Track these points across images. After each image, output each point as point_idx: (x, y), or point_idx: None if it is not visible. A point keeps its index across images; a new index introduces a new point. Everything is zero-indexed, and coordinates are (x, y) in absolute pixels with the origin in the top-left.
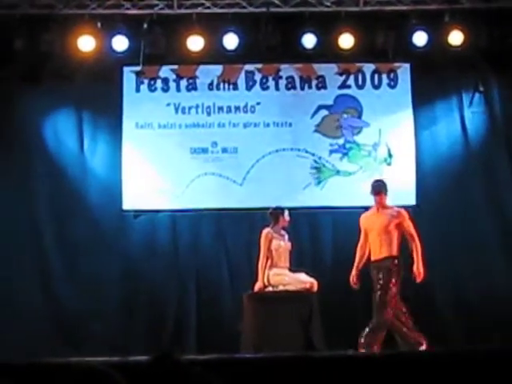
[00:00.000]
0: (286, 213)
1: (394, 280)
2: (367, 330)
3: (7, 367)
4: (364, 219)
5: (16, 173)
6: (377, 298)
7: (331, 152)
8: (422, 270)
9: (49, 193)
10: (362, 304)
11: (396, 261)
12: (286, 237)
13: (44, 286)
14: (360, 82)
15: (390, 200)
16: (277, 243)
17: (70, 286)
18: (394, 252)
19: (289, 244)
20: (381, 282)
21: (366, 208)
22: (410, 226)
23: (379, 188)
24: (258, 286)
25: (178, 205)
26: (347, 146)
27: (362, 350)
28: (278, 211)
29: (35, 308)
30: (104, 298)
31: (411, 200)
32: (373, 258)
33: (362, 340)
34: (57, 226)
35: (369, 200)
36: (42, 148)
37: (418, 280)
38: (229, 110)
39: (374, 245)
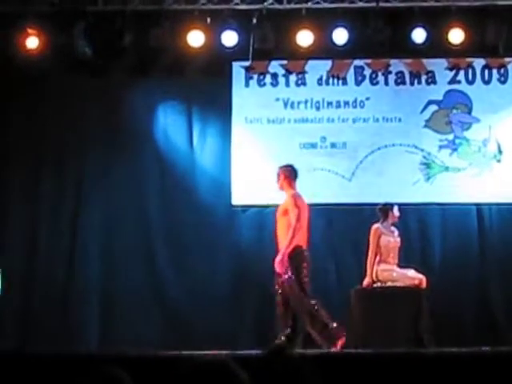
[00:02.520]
0: (396, 209)
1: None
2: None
3: (122, 358)
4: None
5: (125, 168)
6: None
7: (440, 148)
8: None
9: (158, 188)
10: (471, 301)
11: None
12: (396, 233)
13: (153, 283)
14: (470, 77)
15: (500, 197)
16: (386, 239)
17: (179, 282)
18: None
19: (398, 240)
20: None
21: (477, 204)
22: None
23: None
24: (366, 282)
25: None
26: (457, 141)
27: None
28: (387, 207)
29: (144, 305)
30: (213, 294)
31: None
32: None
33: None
34: (166, 222)
35: (478, 197)
36: (152, 143)
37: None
38: (338, 105)
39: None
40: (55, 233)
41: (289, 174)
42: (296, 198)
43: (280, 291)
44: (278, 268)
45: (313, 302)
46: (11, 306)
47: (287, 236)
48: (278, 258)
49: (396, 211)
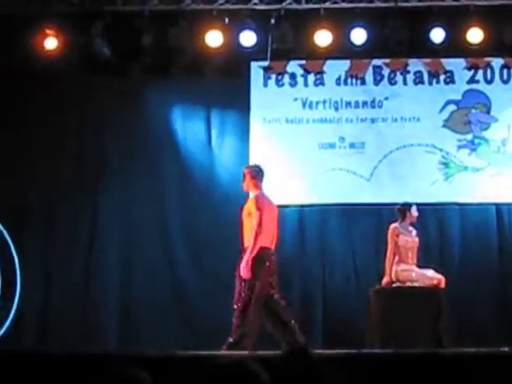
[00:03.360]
0: (414, 208)
1: None
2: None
3: (142, 359)
4: None
5: (143, 167)
6: None
7: (459, 147)
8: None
9: (176, 188)
10: (491, 300)
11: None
12: (414, 233)
13: (173, 285)
14: (489, 76)
15: None
16: (404, 239)
17: (200, 284)
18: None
19: (416, 240)
20: None
21: (496, 204)
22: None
23: None
24: (384, 281)
25: (306, 200)
26: (476, 141)
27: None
28: (405, 207)
29: (164, 308)
30: (232, 295)
31: None
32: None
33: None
34: (184, 222)
35: (497, 196)
36: (170, 143)
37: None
38: (356, 105)
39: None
40: (74, 235)
41: (255, 174)
42: (258, 200)
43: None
44: (243, 273)
45: (282, 302)
46: (31, 308)
47: (251, 240)
48: (242, 264)
49: (414, 211)
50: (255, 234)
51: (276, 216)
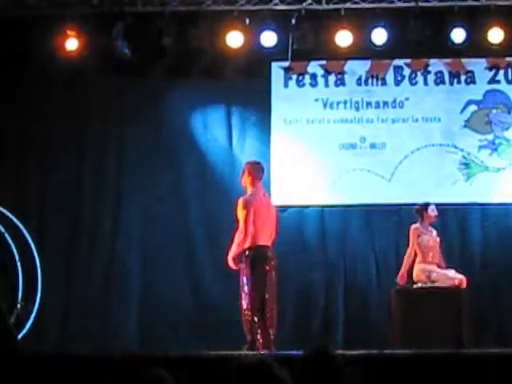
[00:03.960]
0: (431, 208)
1: None
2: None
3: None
4: None
5: (164, 168)
6: None
7: (480, 148)
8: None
9: (198, 188)
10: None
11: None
12: (434, 232)
13: (193, 284)
14: (510, 76)
15: None
16: (425, 238)
17: (220, 283)
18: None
19: (437, 239)
20: None
21: None
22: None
23: None
24: (398, 277)
25: (327, 200)
26: (496, 141)
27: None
28: (422, 207)
29: (185, 305)
30: None
31: None
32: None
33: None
34: (205, 222)
35: None
36: (191, 143)
37: None
38: (377, 105)
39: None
40: (95, 236)
41: (253, 171)
42: (246, 200)
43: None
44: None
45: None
46: (52, 308)
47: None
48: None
49: (431, 211)
50: (241, 232)
51: (274, 214)
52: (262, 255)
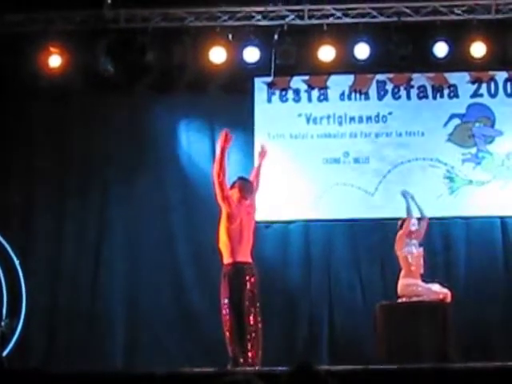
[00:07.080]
0: (412, 222)
1: None
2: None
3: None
4: None
5: (149, 184)
6: None
7: (464, 161)
8: None
9: (181, 204)
10: (497, 315)
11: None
12: (417, 244)
13: (179, 300)
14: (492, 90)
15: None
16: (409, 249)
17: (205, 298)
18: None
19: (420, 250)
20: None
21: (501, 217)
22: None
23: None
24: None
25: (311, 215)
26: (480, 155)
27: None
28: (402, 220)
29: (170, 321)
30: None
31: None
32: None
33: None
34: (190, 238)
35: (502, 210)
36: (175, 159)
37: None
38: (360, 119)
39: None
40: (80, 249)
41: (243, 187)
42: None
43: None
44: None
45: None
46: (37, 322)
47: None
48: None
49: (411, 223)
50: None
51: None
52: (240, 272)
